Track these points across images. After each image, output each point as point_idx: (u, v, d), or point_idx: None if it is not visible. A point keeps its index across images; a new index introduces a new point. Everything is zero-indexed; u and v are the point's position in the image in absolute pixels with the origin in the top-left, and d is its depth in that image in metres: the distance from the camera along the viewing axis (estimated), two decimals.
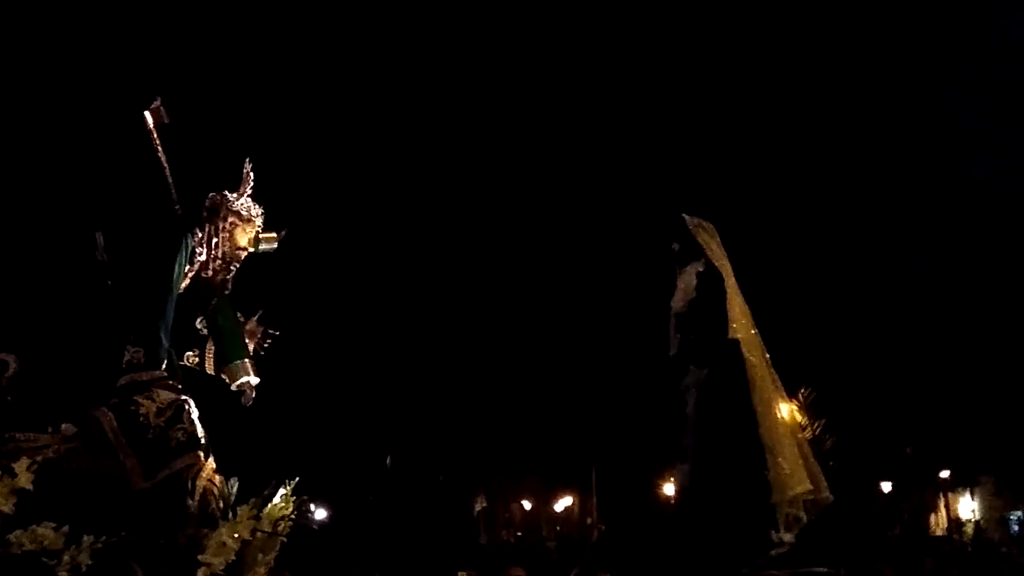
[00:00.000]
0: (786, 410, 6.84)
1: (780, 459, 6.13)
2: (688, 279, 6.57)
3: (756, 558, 6.00)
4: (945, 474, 27.92)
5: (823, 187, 27.90)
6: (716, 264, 6.51)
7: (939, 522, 29.72)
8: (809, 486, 6.18)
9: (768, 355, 6.51)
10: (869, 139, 28.63)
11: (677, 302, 6.59)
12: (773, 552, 6.03)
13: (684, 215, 6.72)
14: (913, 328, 27.38)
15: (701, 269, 6.52)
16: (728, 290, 6.45)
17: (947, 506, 29.07)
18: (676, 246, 6.71)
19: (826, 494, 6.34)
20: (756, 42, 27.44)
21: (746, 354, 6.33)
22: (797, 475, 6.15)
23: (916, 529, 28.49)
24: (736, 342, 6.34)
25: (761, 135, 27.17)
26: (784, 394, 6.68)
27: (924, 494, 29.92)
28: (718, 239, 6.66)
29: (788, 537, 6.09)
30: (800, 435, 6.79)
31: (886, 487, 27.05)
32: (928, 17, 28.08)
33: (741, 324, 6.43)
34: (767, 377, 6.41)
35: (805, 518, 6.16)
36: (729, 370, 6.26)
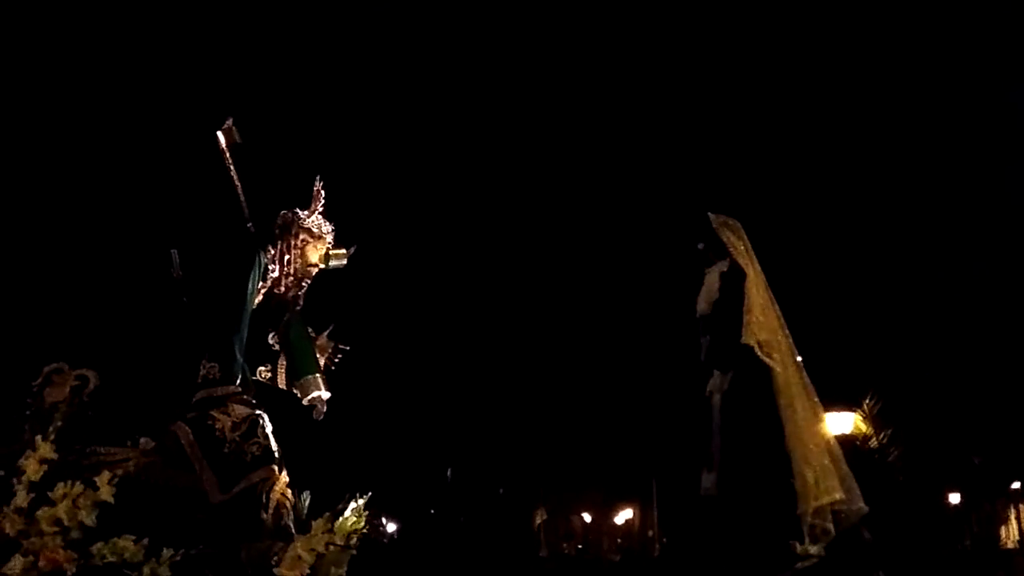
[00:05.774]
0: (818, 416, 6.38)
1: (806, 468, 5.86)
2: (712, 279, 6.37)
3: (779, 571, 5.78)
4: (1016, 485, 27.30)
5: (888, 190, 27.43)
6: (740, 263, 6.26)
7: (1010, 534, 29.01)
8: (836, 496, 5.88)
9: (800, 358, 6.24)
10: (935, 138, 28.08)
11: (701, 304, 6.39)
12: (798, 565, 5.79)
13: (709, 213, 6.50)
14: (981, 334, 26.79)
15: (725, 269, 6.32)
16: (750, 289, 6.18)
17: (1019, 518, 28.42)
18: (701, 246, 6.48)
19: (860, 505, 6.01)
20: (816, 37, 26.97)
21: (767, 357, 6.03)
22: (824, 485, 5.87)
23: (987, 542, 27.86)
24: (750, 346, 6.03)
25: (827, 139, 26.70)
26: (816, 399, 6.26)
27: (995, 505, 29.22)
28: (745, 237, 6.41)
29: (815, 550, 5.81)
30: (832, 442, 6.32)
31: (954, 498, 26.51)
32: (994, 18, 27.42)
33: (762, 324, 6.11)
34: (794, 381, 6.13)
35: (833, 530, 5.85)
36: (751, 374, 6.02)
